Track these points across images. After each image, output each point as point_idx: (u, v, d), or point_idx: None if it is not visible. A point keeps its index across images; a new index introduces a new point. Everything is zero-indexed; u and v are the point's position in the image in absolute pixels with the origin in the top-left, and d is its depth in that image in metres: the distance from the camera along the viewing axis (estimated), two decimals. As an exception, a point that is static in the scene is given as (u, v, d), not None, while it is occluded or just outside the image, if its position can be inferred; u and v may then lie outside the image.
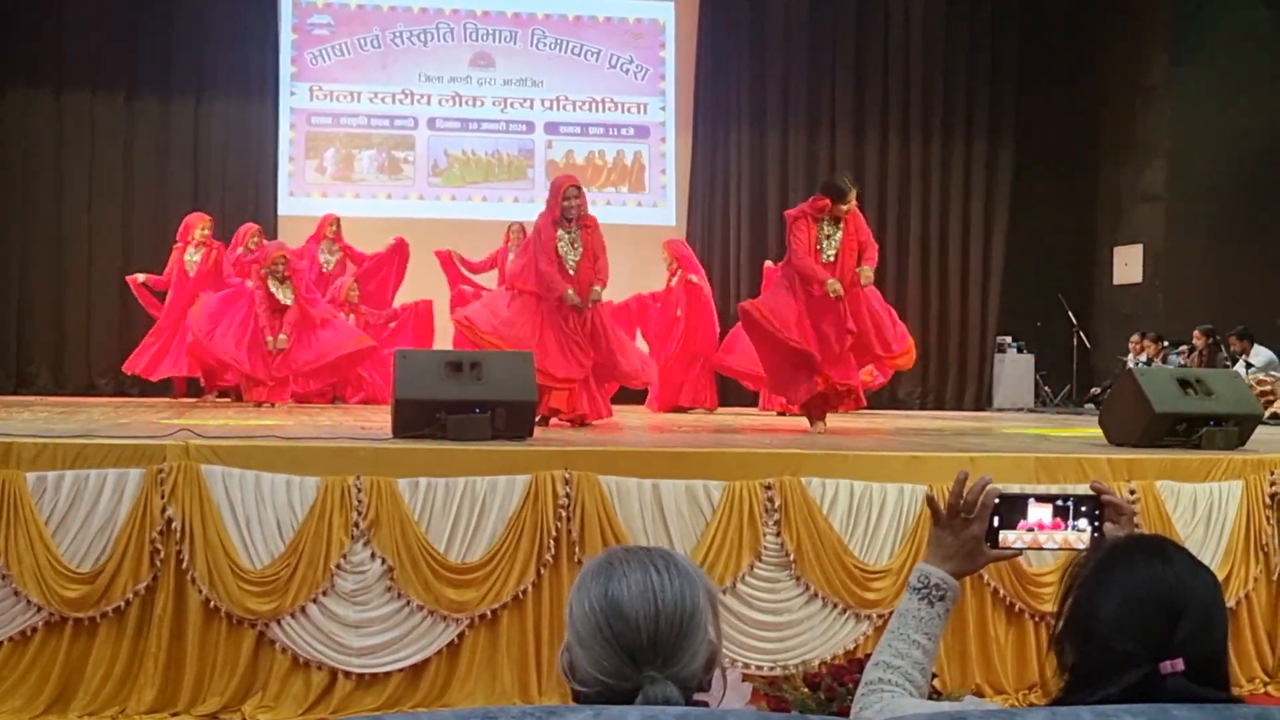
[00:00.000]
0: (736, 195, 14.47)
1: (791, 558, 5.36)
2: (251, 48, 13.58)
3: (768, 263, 12.30)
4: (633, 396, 11.57)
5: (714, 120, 14.44)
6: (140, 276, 11.64)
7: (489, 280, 12.12)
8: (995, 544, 2.27)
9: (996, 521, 2.26)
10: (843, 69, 14.54)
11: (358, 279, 12.08)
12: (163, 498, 5.00)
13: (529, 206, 13.80)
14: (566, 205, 8.10)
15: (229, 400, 11.20)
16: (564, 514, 5.20)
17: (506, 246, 12.11)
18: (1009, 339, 14.65)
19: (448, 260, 12.14)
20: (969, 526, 2.26)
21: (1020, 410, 13.92)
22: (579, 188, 8.32)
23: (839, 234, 7.86)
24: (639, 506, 5.29)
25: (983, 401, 14.59)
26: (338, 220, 12.41)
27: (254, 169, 13.67)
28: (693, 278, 11.77)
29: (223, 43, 13.45)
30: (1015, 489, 5.38)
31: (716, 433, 8.03)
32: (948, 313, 14.75)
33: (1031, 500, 2.27)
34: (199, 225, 11.70)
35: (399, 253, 12.24)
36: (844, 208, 7.83)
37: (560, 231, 8.12)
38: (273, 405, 10.63)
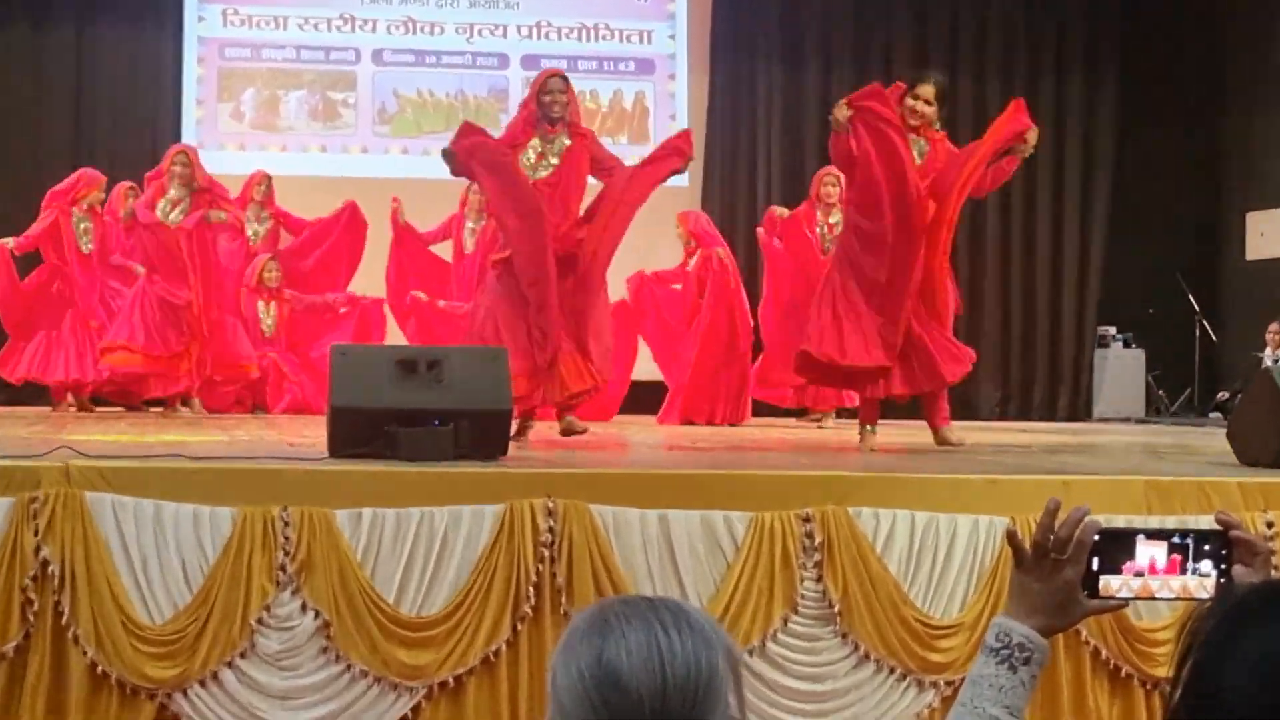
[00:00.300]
0: (766, 149, 14.48)
1: (836, 609, 5.37)
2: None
3: (775, 209, 12.18)
4: (640, 406, 11.59)
5: (737, 53, 14.46)
6: (8, 242, 11.63)
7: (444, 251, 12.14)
8: (1095, 592, 2.27)
9: (1097, 564, 2.26)
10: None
11: (283, 256, 12.09)
12: (36, 534, 5.00)
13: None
14: (547, 100, 7.88)
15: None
16: (546, 554, 5.21)
17: (464, 212, 12.12)
18: (1112, 330, 14.66)
19: (405, 235, 12.12)
20: (1061, 570, 2.26)
21: (1127, 420, 13.94)
22: (565, 79, 8.10)
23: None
24: (641, 544, 5.29)
25: (1079, 409, 14.60)
26: (268, 179, 12.38)
27: (151, 115, 13.71)
28: (719, 251, 11.75)
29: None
30: (1121, 522, 5.41)
31: (738, 450, 8.05)
32: (1034, 297, 14.77)
33: (1141, 537, 2.27)
34: (96, 188, 11.72)
35: (351, 221, 12.21)
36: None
37: (535, 139, 7.89)
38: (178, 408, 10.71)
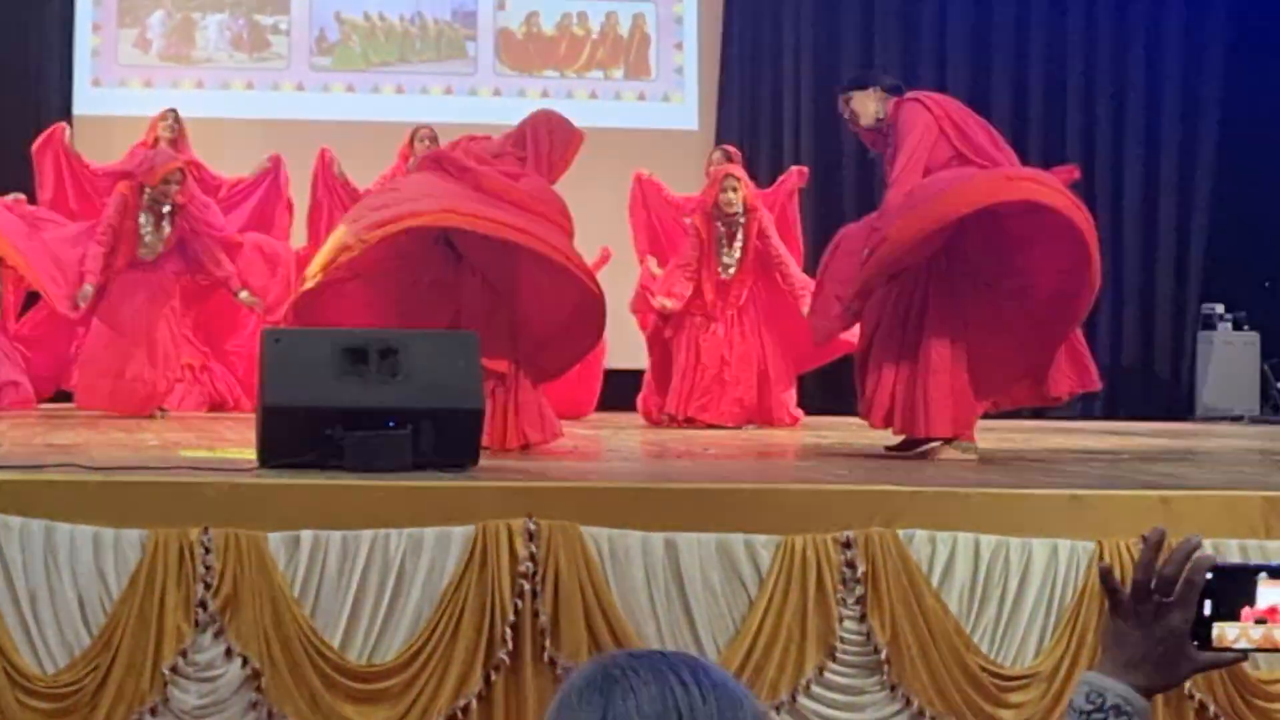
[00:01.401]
0: (794, 86, 14.47)
1: (883, 655, 5.37)
2: None
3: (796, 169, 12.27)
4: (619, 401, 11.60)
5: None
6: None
7: None
8: (1207, 643, 2.28)
9: (1209, 608, 2.27)
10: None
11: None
12: (-100, 562, 5.01)
13: (469, 101, 13.83)
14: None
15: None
16: (527, 587, 5.22)
17: (405, 167, 12.10)
18: (1220, 309, 14.65)
19: (340, 194, 12.05)
20: (1166, 615, 2.27)
21: (1239, 419, 13.92)
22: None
23: None
24: (644, 575, 5.30)
25: (1180, 406, 14.60)
26: (176, 116, 12.27)
27: (34, 44, 13.66)
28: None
29: None
30: (1234, 548, 5.41)
31: (762, 457, 8.05)
32: (1124, 267, 14.76)
33: (1263, 576, 2.27)
34: None
35: (277, 182, 12.16)
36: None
37: None
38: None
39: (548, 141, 8.16)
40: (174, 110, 12.21)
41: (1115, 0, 14.78)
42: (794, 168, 12.24)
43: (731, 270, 11.00)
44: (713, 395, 11.01)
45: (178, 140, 12.02)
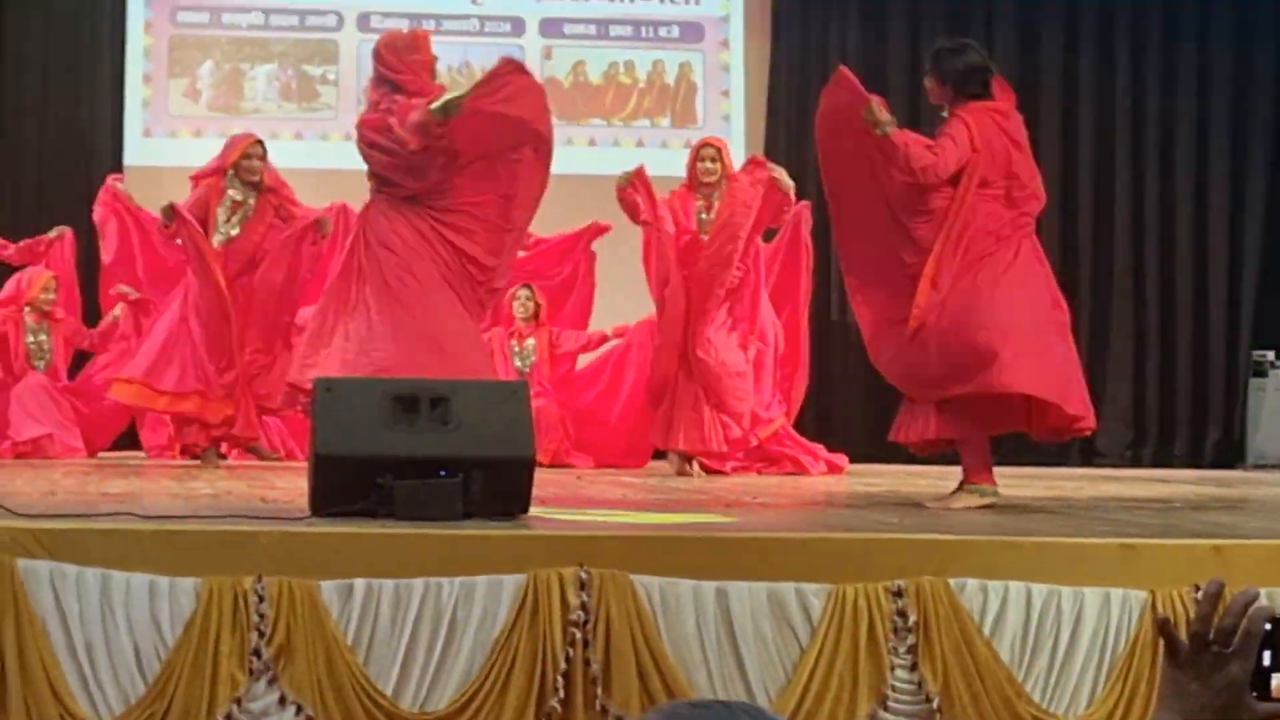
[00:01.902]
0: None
1: (935, 704, 5.37)
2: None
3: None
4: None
5: (806, 14, 14.49)
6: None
7: None
8: (1266, 694, 2.28)
9: (1268, 659, 2.27)
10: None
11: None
12: (-44, 610, 5.05)
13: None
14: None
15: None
16: (578, 635, 5.22)
17: None
18: (1271, 355, 14.57)
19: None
20: (1225, 666, 2.27)
21: (1291, 467, 13.87)
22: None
23: None
24: (695, 624, 5.31)
25: (1232, 453, 14.52)
26: (262, 145, 11.90)
27: (86, 95, 13.76)
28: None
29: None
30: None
31: (808, 506, 8.05)
32: (1172, 309, 14.71)
33: (1321, 626, 2.28)
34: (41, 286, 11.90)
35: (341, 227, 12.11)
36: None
37: None
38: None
39: (395, 61, 8.99)
40: (259, 141, 12.00)
41: (1164, 40, 14.76)
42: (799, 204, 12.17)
43: (707, 230, 10.94)
44: None
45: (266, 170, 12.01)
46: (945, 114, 7.74)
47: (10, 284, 11.95)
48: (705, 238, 10.82)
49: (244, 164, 10.74)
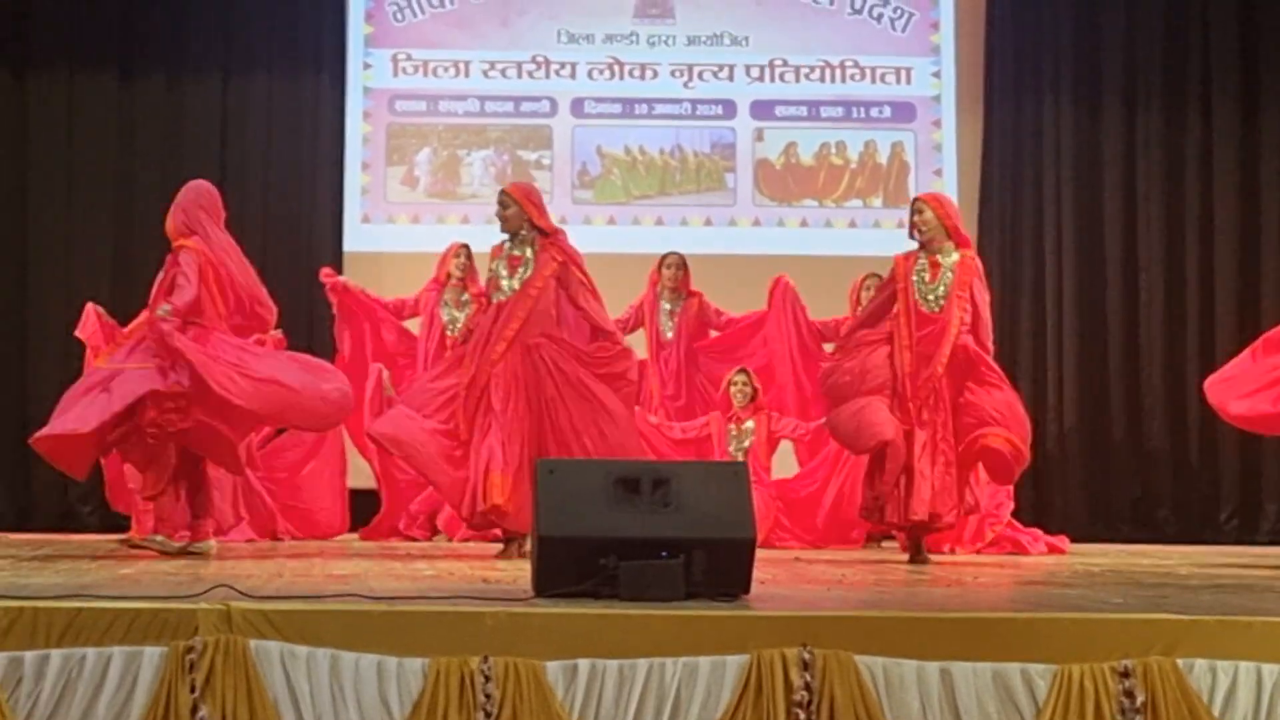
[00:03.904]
0: (1055, 209, 14.40)
1: (1165, 785, 5.29)
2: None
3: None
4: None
5: (1019, 93, 14.45)
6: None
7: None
8: None
9: None
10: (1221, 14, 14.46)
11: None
12: (193, 690, 5.13)
13: (728, 232, 13.99)
14: None
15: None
16: (802, 715, 5.20)
17: (655, 292, 12.36)
18: None
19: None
20: None
21: None
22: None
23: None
24: (920, 705, 5.27)
25: None
26: (467, 251, 12.45)
27: (307, 183, 14.09)
28: None
29: (260, -8, 14.00)
30: None
31: (1030, 585, 7.97)
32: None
33: None
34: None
35: None
36: None
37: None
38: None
39: (194, 209, 9.51)
40: (466, 246, 12.42)
41: None
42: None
43: None
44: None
45: (468, 276, 12.27)
46: None
47: None
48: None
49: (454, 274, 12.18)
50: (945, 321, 9.74)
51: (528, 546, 8.04)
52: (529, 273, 9.68)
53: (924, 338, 9.79)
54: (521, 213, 9.79)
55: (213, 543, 9.46)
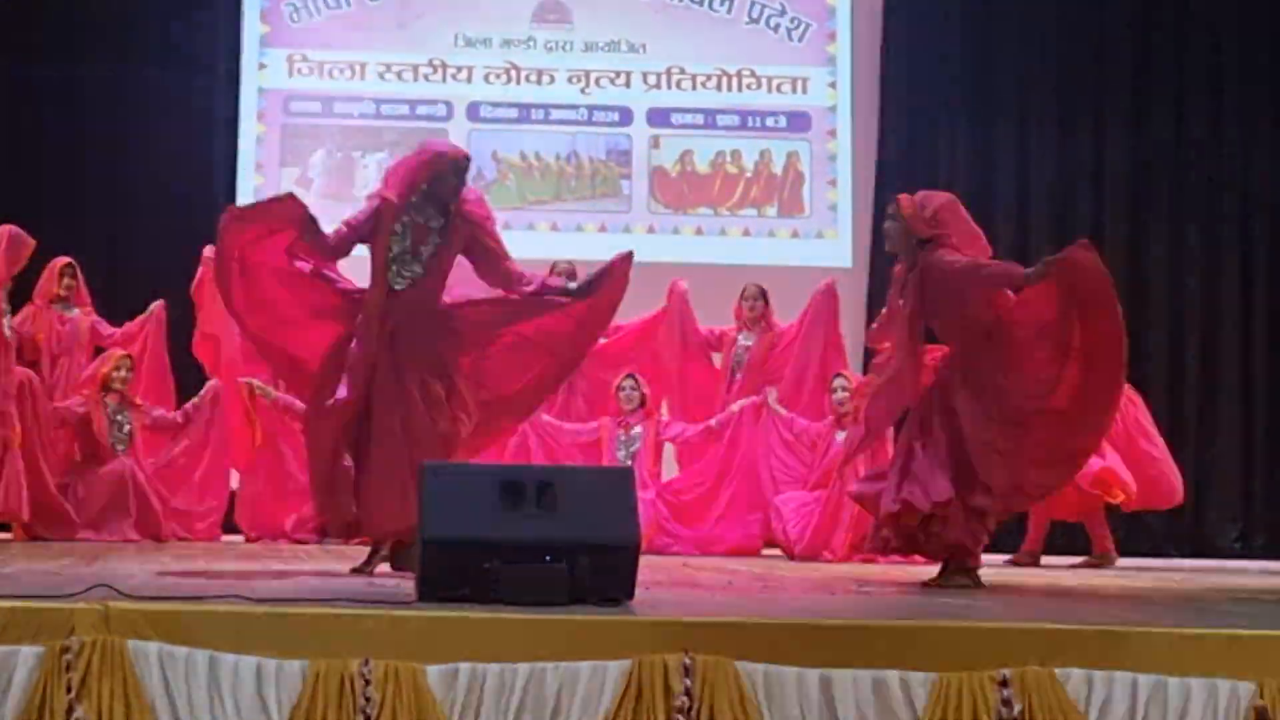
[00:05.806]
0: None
1: (1039, 794, 5.33)
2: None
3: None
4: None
5: (913, 104, 14.55)
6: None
7: None
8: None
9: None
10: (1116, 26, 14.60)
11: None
12: (69, 691, 5.07)
13: (623, 239, 13.96)
14: None
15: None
16: (683, 721, 5.22)
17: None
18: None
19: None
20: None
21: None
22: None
23: None
24: (799, 712, 5.27)
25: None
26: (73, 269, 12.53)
27: (197, 182, 13.95)
28: None
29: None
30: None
31: (916, 594, 8.01)
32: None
33: None
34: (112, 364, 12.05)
35: None
36: None
37: None
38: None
39: None
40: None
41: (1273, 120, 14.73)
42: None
43: None
44: None
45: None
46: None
47: (91, 365, 12.10)
48: None
49: None
50: None
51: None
52: None
53: None
54: None
55: None
